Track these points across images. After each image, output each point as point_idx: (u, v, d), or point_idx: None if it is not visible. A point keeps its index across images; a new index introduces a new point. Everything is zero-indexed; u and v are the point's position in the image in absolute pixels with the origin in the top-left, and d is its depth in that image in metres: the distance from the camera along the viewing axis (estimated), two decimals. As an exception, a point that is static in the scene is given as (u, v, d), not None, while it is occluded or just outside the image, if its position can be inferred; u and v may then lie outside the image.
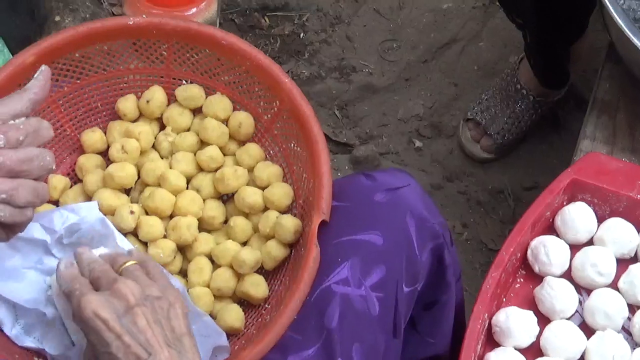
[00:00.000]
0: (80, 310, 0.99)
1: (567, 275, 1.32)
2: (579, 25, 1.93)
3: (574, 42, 1.96)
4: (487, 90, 2.10)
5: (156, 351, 0.98)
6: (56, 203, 1.27)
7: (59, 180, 1.28)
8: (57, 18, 1.73)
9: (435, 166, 2.11)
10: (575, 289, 1.30)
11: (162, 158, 1.31)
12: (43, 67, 1.06)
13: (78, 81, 1.31)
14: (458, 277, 1.35)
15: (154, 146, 1.31)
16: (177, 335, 1.01)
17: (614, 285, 1.30)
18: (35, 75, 1.04)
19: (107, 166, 1.27)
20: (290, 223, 1.22)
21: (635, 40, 1.32)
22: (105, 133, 1.32)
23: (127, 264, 1.06)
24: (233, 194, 1.28)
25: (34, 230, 1.15)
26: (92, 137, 1.31)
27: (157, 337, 0.99)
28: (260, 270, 1.24)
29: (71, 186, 1.30)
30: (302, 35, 2.23)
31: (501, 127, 2.05)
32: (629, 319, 1.28)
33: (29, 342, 1.16)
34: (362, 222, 1.21)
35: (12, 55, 1.63)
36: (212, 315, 1.20)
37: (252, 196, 1.25)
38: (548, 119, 2.10)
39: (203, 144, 1.31)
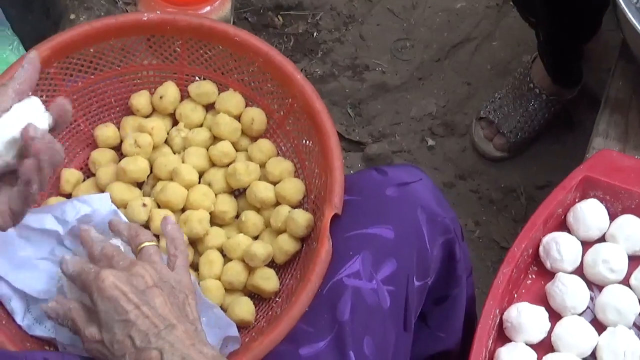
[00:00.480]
0: (98, 280, 1.02)
1: (579, 271, 1.32)
2: (592, 24, 1.93)
3: (587, 41, 1.96)
4: (500, 89, 2.10)
5: (174, 324, 1.00)
6: (69, 196, 1.28)
7: (71, 174, 1.29)
8: (72, 16, 1.74)
9: (447, 164, 2.11)
10: (587, 285, 1.30)
11: (174, 153, 1.31)
12: (32, 55, 1.07)
13: (92, 76, 1.32)
14: (469, 273, 1.36)
15: (166, 141, 1.32)
16: (190, 319, 1.04)
17: (625, 281, 1.31)
18: (23, 64, 1.06)
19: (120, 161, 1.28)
20: (302, 217, 1.22)
21: (647, 38, 1.33)
22: (118, 128, 1.33)
23: (146, 244, 1.08)
24: (245, 189, 1.28)
25: (46, 222, 1.17)
26: (106, 132, 1.32)
27: (173, 313, 1.02)
28: (271, 263, 1.25)
29: (84, 180, 1.31)
30: (315, 34, 2.23)
31: (514, 125, 2.05)
32: (640, 315, 1.29)
33: (40, 332, 1.17)
34: (374, 216, 1.22)
35: (27, 52, 1.65)
36: (223, 308, 1.21)
37: (263, 191, 1.26)
38: (561, 117, 2.10)
39: (215, 139, 1.31)
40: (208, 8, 1.88)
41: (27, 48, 1.73)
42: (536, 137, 2.10)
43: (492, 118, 2.07)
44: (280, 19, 2.25)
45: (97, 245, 1.09)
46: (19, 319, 1.17)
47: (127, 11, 2.12)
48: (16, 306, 1.17)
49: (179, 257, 1.10)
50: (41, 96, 1.27)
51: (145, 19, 1.30)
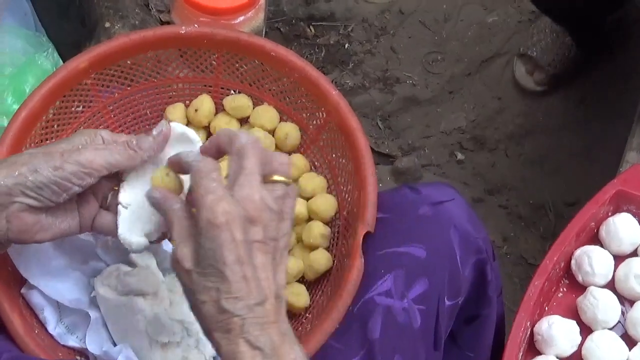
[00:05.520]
0: (216, 213, 0.94)
1: (611, 285, 1.32)
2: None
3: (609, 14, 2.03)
4: (538, 24, 2.17)
5: (266, 295, 0.96)
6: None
7: (107, 186, 1.30)
8: (107, 24, 1.75)
9: (476, 179, 2.11)
10: (618, 299, 1.30)
11: (208, 166, 1.32)
12: (164, 126, 1.08)
13: (128, 88, 1.33)
14: (499, 292, 1.36)
15: (201, 154, 1.33)
16: (279, 284, 0.98)
17: (657, 297, 1.30)
18: (155, 134, 1.07)
19: (155, 173, 1.29)
20: (323, 259, 1.24)
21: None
22: (153, 140, 1.34)
23: (279, 178, 1.00)
24: (278, 204, 1.29)
25: (81, 233, 1.17)
26: (141, 143, 1.33)
27: (268, 281, 0.96)
28: (302, 279, 1.25)
29: (119, 191, 1.31)
30: (347, 45, 2.24)
31: (552, 58, 2.13)
32: (671, 332, 1.28)
33: (72, 342, 1.18)
34: (406, 234, 1.22)
35: (62, 59, 1.66)
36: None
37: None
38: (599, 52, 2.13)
39: (249, 153, 1.32)
40: (241, 18, 1.88)
41: (61, 54, 1.74)
42: (576, 70, 2.16)
43: (530, 53, 2.14)
44: (312, 29, 2.26)
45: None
46: (51, 328, 1.18)
47: (160, 19, 2.13)
48: (49, 315, 1.18)
49: (292, 199, 1.01)
50: (78, 107, 1.29)
51: (182, 32, 1.31)
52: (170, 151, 1.09)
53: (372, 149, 2.10)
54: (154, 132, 1.08)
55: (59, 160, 1.02)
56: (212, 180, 0.97)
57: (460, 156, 2.14)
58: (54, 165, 1.02)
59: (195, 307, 0.97)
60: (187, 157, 1.02)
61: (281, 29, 2.25)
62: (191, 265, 0.96)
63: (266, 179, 0.99)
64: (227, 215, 0.94)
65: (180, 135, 1.10)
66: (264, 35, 1.68)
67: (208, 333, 0.97)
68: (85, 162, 1.03)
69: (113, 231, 1.09)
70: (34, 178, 1.01)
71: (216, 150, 1.03)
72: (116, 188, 1.10)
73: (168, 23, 1.82)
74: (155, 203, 1.02)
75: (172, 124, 1.10)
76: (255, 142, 1.00)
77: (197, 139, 1.11)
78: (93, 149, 1.04)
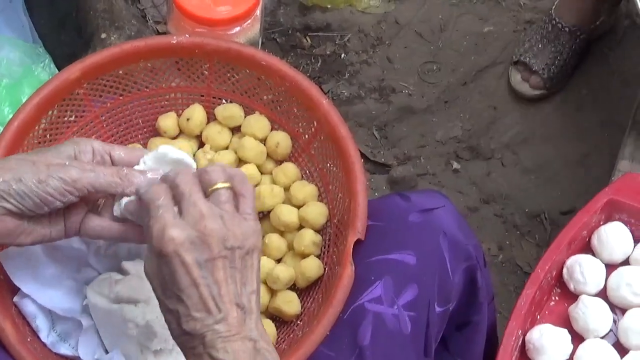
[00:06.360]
0: (162, 242, 0.96)
1: (602, 294, 1.33)
2: None
3: None
4: (528, 32, 2.21)
5: (227, 310, 0.97)
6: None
7: (99, 194, 1.31)
8: (103, 35, 1.76)
9: (472, 188, 2.12)
10: (610, 308, 1.31)
11: (200, 175, 1.33)
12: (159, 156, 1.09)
13: (121, 97, 1.34)
14: (491, 299, 1.36)
15: (192, 163, 1.34)
16: (246, 292, 0.99)
17: (649, 305, 1.31)
18: (149, 175, 1.07)
19: (147, 181, 1.29)
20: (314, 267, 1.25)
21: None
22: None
23: (219, 186, 1.01)
24: (269, 212, 1.30)
25: (73, 241, 1.18)
26: (133, 152, 1.33)
27: (229, 295, 0.97)
28: (293, 286, 1.26)
29: (111, 200, 1.32)
30: (343, 55, 2.25)
31: (545, 62, 2.14)
32: (663, 340, 1.29)
33: (65, 350, 1.18)
34: (396, 241, 1.22)
35: (58, 70, 1.67)
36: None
37: (287, 214, 1.27)
38: (592, 55, 2.15)
39: (241, 162, 1.33)
40: (237, 28, 1.88)
41: (58, 65, 1.75)
42: (571, 72, 2.19)
43: (523, 59, 2.16)
44: (309, 40, 2.27)
45: (170, 180, 1.02)
46: (43, 336, 1.18)
47: (157, 30, 2.15)
48: (41, 324, 1.18)
49: (246, 198, 1.02)
50: (70, 116, 1.30)
51: (174, 42, 1.32)
52: None
53: (368, 159, 2.12)
54: (149, 173, 1.07)
55: (44, 174, 1.02)
56: (157, 208, 0.99)
57: (455, 165, 2.14)
58: (39, 178, 1.02)
59: (167, 325, 1.00)
60: (140, 189, 1.04)
61: (278, 40, 2.26)
62: (156, 286, 0.99)
63: (208, 194, 1.01)
64: (173, 242, 0.96)
65: (176, 161, 1.11)
66: (260, 46, 1.68)
67: (181, 350, 0.99)
68: (70, 180, 1.03)
69: (101, 235, 1.10)
70: (17, 187, 1.02)
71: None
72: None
73: (164, 34, 1.83)
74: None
75: (167, 148, 1.10)
76: (182, 170, 1.03)
77: (193, 165, 1.12)
78: (80, 169, 1.04)
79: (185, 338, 0.97)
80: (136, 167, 1.09)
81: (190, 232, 0.97)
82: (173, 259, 0.96)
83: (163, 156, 1.10)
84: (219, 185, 1.01)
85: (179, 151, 1.11)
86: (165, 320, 0.99)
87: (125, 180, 1.05)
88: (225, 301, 0.97)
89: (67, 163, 1.04)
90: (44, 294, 1.17)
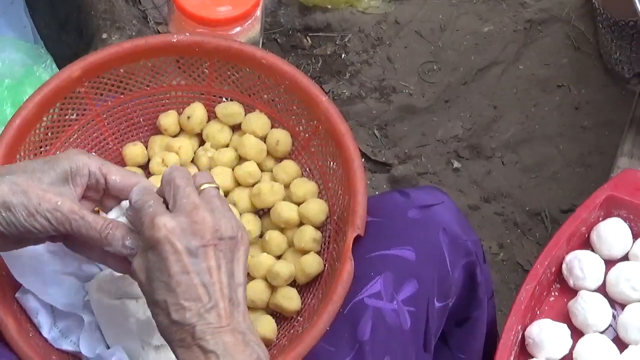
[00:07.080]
0: (153, 230, 0.98)
1: (602, 289, 1.33)
2: None
3: None
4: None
5: (217, 298, 0.97)
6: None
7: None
8: (104, 36, 1.76)
9: (472, 187, 2.12)
10: (609, 303, 1.31)
11: (201, 172, 1.33)
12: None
13: (122, 96, 1.34)
14: (490, 295, 1.37)
15: (193, 161, 1.34)
16: (234, 283, 1.00)
17: (648, 300, 1.31)
18: (128, 243, 1.05)
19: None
20: (314, 263, 1.25)
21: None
22: (146, 147, 1.35)
23: (207, 185, 1.04)
24: (269, 209, 1.30)
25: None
26: (134, 150, 1.34)
27: (220, 283, 0.98)
28: (294, 283, 1.26)
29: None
30: (343, 55, 2.25)
31: None
32: (662, 334, 1.29)
33: (66, 345, 1.19)
34: (396, 237, 1.23)
35: (60, 71, 1.68)
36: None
37: (287, 211, 1.28)
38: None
39: (241, 159, 1.33)
40: (238, 29, 1.89)
41: (59, 66, 1.76)
42: None
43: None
44: (309, 40, 2.27)
45: (164, 179, 1.04)
46: (45, 332, 1.19)
47: (158, 31, 2.15)
48: (43, 320, 1.19)
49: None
50: (72, 115, 1.31)
51: (174, 40, 1.33)
52: None
53: (368, 158, 2.13)
54: (128, 240, 1.04)
55: (33, 207, 1.02)
56: (149, 206, 1.01)
57: (456, 164, 2.15)
58: (28, 212, 1.02)
59: (154, 319, 1.00)
60: (131, 198, 1.05)
61: (278, 40, 2.26)
62: (143, 279, 0.99)
63: (199, 192, 1.03)
64: (165, 228, 0.97)
65: None
66: (261, 46, 1.69)
67: (168, 343, 1.00)
68: (55, 222, 1.03)
69: (82, 253, 1.10)
70: (6, 215, 1.02)
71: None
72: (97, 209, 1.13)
73: (165, 34, 1.84)
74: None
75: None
76: (175, 166, 1.05)
77: None
78: (69, 210, 1.03)
79: (174, 329, 0.97)
80: (113, 212, 1.10)
81: (181, 219, 0.98)
82: (164, 245, 0.97)
83: None
84: (206, 185, 1.04)
85: None
86: (152, 314, 1.00)
87: (105, 240, 1.04)
88: (216, 289, 0.98)
89: (59, 202, 1.03)
90: (45, 290, 1.18)
